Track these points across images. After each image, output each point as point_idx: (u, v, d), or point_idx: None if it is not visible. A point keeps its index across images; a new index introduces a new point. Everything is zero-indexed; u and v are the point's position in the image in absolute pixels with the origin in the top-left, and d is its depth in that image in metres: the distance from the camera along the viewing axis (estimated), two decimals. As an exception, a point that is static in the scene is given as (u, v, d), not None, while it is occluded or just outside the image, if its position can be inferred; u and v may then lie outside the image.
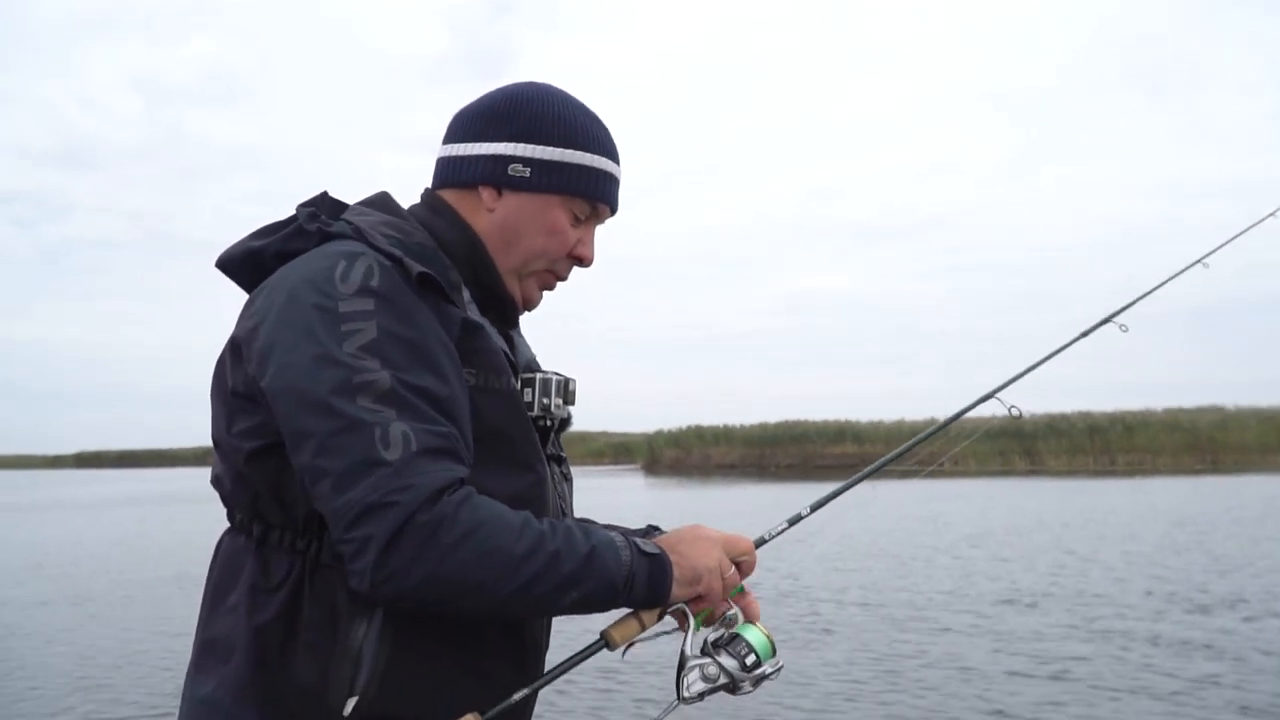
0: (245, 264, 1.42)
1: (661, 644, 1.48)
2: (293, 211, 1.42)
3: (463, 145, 1.46)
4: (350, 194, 1.49)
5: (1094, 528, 16.61)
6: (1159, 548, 13.74)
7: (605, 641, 1.36)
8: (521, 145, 1.42)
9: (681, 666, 1.40)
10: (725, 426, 52.00)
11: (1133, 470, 38.11)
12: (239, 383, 1.31)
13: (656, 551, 1.34)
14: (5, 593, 12.11)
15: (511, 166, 1.42)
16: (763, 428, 50.72)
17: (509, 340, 1.47)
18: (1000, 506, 22.12)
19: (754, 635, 1.42)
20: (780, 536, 1.57)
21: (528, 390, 1.42)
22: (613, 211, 1.51)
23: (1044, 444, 41.96)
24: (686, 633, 1.41)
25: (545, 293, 1.52)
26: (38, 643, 9.06)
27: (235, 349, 1.32)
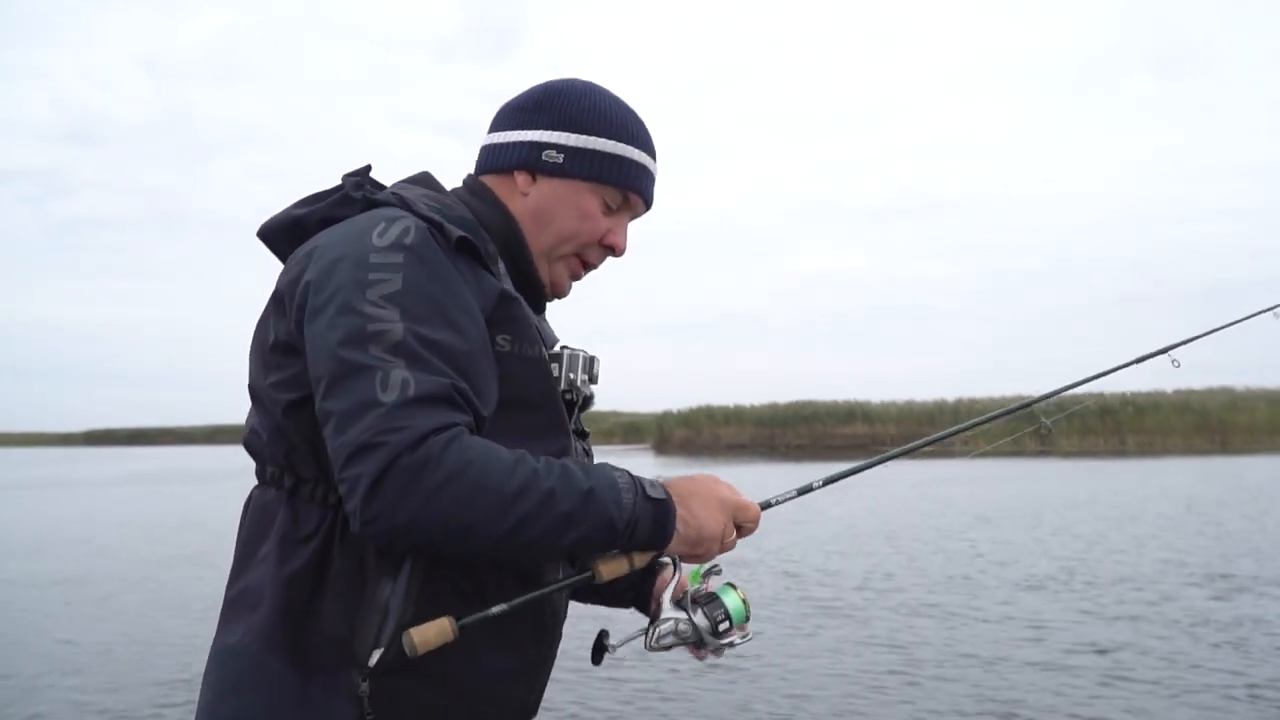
0: (288, 233, 1.46)
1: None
2: (332, 185, 1.47)
3: (503, 134, 1.53)
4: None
5: (1130, 508, 16.59)
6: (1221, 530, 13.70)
7: (592, 573, 1.36)
8: (557, 133, 1.49)
9: (656, 616, 1.42)
10: (735, 406, 51.90)
11: (1143, 451, 38.01)
12: (281, 333, 1.34)
13: (663, 497, 1.34)
14: (8, 571, 12.20)
15: (545, 152, 1.49)
16: (773, 408, 50.63)
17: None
18: (1036, 488, 22.07)
19: (731, 600, 1.43)
20: (789, 502, 1.58)
21: (555, 365, 1.45)
22: (647, 205, 1.56)
23: (1055, 425, 41.79)
24: (670, 583, 1.44)
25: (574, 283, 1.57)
26: (36, 619, 9.14)
27: (277, 300, 1.37)
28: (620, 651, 1.44)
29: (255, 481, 1.44)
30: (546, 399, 1.40)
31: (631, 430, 62.14)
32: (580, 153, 1.48)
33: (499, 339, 1.35)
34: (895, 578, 10.28)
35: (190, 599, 9.65)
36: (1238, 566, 10.45)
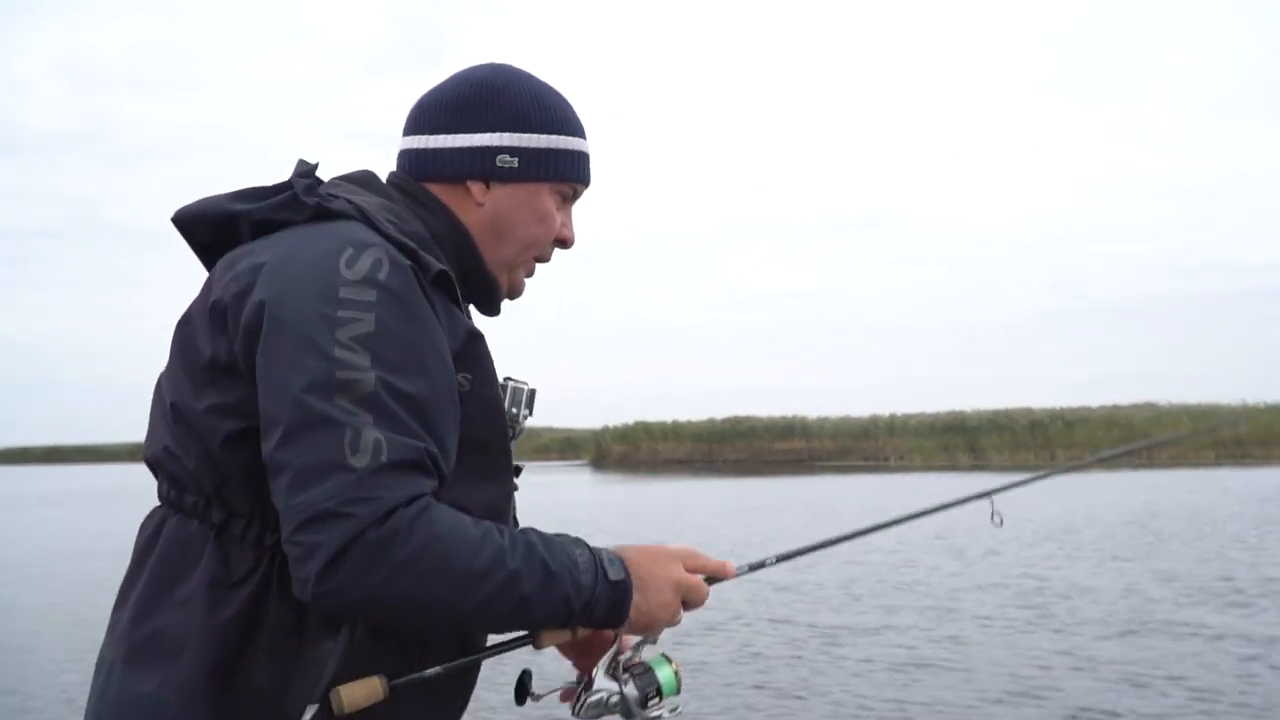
0: (215, 225, 1.35)
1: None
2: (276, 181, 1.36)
3: (439, 137, 1.41)
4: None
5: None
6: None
7: (533, 640, 1.32)
8: (506, 135, 1.40)
9: (588, 684, 1.38)
10: (673, 422, 52.12)
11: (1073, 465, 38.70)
12: (220, 352, 1.23)
13: (621, 578, 1.28)
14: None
15: (499, 158, 1.40)
16: (710, 424, 50.87)
17: None
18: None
19: (664, 673, 1.39)
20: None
21: None
22: (587, 187, 1.50)
23: (986, 439, 42.62)
24: (607, 654, 1.39)
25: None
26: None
27: (216, 314, 1.24)
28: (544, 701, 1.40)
29: (159, 501, 1.33)
30: (498, 440, 1.33)
31: (568, 446, 61.93)
32: (535, 154, 1.41)
33: (460, 377, 1.27)
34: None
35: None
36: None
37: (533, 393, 1.46)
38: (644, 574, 1.31)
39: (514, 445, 1.44)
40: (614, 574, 1.27)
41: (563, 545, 1.26)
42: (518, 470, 1.47)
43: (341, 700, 1.17)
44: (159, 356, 1.37)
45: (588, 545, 1.29)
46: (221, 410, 1.22)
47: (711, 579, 1.40)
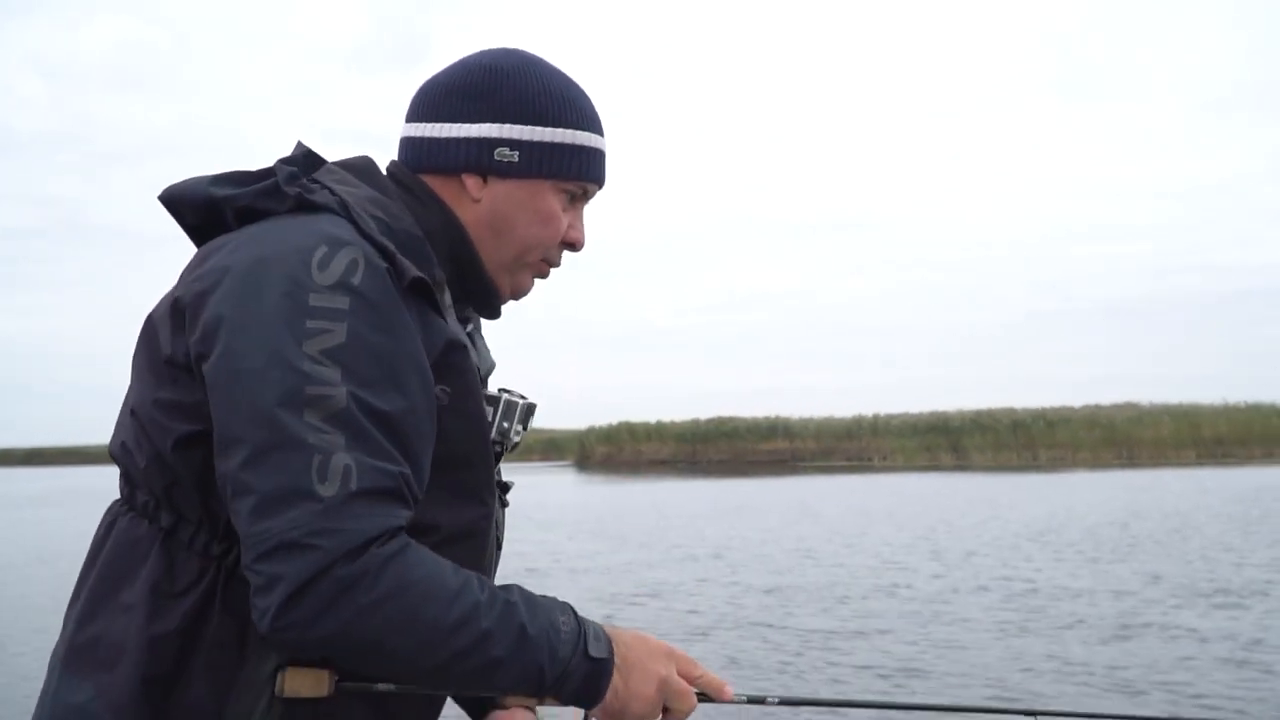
0: (197, 208, 1.28)
1: None
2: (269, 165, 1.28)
3: (438, 125, 1.32)
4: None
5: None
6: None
7: (498, 703, 1.24)
8: (506, 126, 1.30)
9: None
10: (657, 423, 52.16)
11: (1055, 465, 39.02)
12: (178, 352, 1.15)
13: (604, 656, 1.19)
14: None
15: (498, 151, 1.29)
16: (694, 424, 50.94)
17: (470, 340, 1.33)
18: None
19: None
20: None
21: (490, 409, 1.30)
22: (600, 187, 1.39)
23: (969, 439, 42.80)
24: None
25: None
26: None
27: (177, 311, 1.17)
28: None
29: (119, 497, 1.26)
30: (479, 458, 1.24)
31: (552, 447, 61.96)
32: (536, 148, 1.30)
33: (439, 390, 1.18)
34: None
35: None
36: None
37: (530, 407, 1.37)
38: (631, 659, 1.22)
39: (501, 461, 1.36)
40: (595, 650, 1.18)
41: (546, 609, 1.18)
42: (506, 488, 1.41)
43: (284, 684, 1.11)
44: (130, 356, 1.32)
45: (575, 613, 1.20)
46: (175, 409, 1.16)
47: (704, 696, 1.28)
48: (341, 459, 1.05)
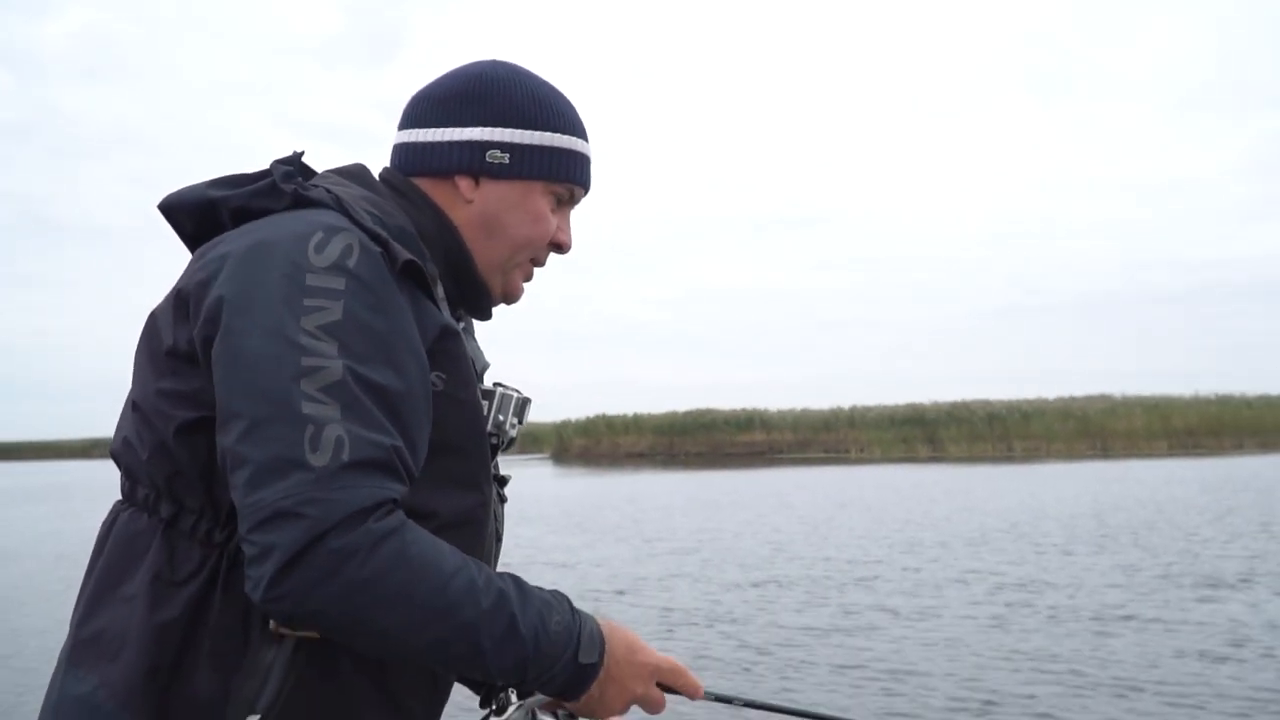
0: (197, 213, 1.30)
1: None
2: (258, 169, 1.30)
3: (431, 130, 1.37)
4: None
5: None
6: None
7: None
8: (498, 129, 1.35)
9: (502, 710, 1.35)
10: (634, 415, 52.21)
11: (1029, 456, 39.35)
12: (181, 341, 1.17)
13: (592, 662, 1.22)
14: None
15: (489, 153, 1.35)
16: (671, 416, 51.03)
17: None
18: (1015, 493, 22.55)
19: None
20: None
21: (485, 403, 1.32)
22: (587, 191, 1.44)
23: (945, 431, 43.08)
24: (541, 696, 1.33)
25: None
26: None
27: (180, 302, 1.19)
28: None
29: (120, 496, 1.28)
30: (474, 446, 1.26)
31: (529, 439, 61.80)
32: (527, 150, 1.35)
33: (433, 376, 1.20)
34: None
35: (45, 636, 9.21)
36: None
37: (525, 401, 1.40)
38: (616, 675, 1.25)
39: (498, 456, 1.39)
40: (585, 657, 1.21)
41: (539, 605, 1.19)
42: (504, 481, 1.44)
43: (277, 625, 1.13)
44: (113, 353, 1.32)
45: (572, 610, 1.23)
46: (177, 397, 1.18)
47: (672, 690, 1.34)
48: (334, 430, 1.07)
